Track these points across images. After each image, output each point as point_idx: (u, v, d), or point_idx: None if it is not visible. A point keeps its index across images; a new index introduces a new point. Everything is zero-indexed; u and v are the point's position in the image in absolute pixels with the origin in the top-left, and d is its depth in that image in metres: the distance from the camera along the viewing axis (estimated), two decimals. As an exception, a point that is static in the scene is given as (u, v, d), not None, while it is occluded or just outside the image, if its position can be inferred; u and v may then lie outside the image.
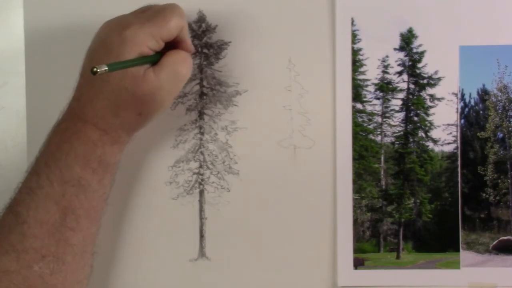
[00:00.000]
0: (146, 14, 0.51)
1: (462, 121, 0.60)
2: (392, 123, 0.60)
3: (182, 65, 0.52)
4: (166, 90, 0.51)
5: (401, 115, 0.61)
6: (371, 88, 0.60)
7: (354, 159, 0.60)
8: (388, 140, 0.61)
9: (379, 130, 0.60)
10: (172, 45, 0.53)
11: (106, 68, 0.45)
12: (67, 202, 0.48)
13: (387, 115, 0.60)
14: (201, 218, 0.60)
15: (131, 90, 0.49)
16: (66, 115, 0.51)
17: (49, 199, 0.48)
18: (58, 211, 0.48)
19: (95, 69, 0.44)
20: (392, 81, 0.60)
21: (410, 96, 0.60)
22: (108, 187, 0.52)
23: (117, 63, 0.48)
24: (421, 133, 0.60)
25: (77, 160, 0.49)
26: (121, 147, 0.52)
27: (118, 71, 0.48)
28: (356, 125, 0.60)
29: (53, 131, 0.51)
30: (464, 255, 0.60)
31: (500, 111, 0.60)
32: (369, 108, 0.60)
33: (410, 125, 0.60)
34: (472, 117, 0.60)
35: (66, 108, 0.52)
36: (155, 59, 0.51)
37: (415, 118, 0.60)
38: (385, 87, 0.60)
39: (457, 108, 0.60)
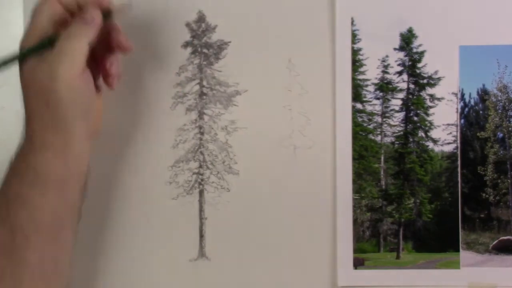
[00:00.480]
0: None
1: (462, 121, 0.60)
2: (392, 123, 0.60)
3: (74, 41, 0.47)
4: (60, 68, 0.46)
5: (401, 115, 0.61)
6: (371, 88, 0.60)
7: (354, 159, 0.59)
8: (388, 140, 0.61)
9: (379, 130, 0.60)
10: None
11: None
12: (12, 220, 0.46)
13: (387, 115, 0.60)
14: (201, 218, 0.60)
15: (27, 84, 0.48)
16: None
17: None
18: (6, 231, 0.45)
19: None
20: (392, 81, 0.60)
21: (410, 96, 0.60)
22: (57, 203, 0.47)
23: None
24: (421, 133, 0.60)
25: (13, 174, 0.47)
26: (55, 154, 0.47)
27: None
28: (356, 125, 0.60)
29: None
30: (464, 255, 0.60)
31: (500, 111, 0.60)
32: (369, 108, 0.60)
33: (410, 125, 0.60)
34: (472, 117, 0.60)
35: None
36: (45, 43, 0.48)
37: (415, 118, 0.60)
38: (385, 87, 0.60)
39: (457, 108, 0.60)
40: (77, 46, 0.47)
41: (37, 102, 0.47)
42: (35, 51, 0.48)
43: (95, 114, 0.51)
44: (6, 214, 0.46)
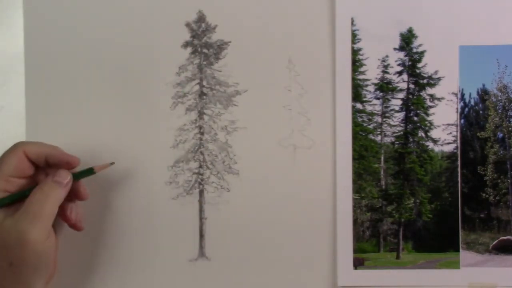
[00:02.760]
0: None
1: (462, 121, 0.60)
2: (392, 123, 0.60)
3: (44, 202, 0.48)
4: (31, 233, 0.47)
5: (401, 115, 0.61)
6: (371, 88, 0.60)
7: (354, 159, 0.60)
8: (388, 140, 0.61)
9: (379, 130, 0.60)
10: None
11: None
12: None
13: (387, 115, 0.60)
14: (201, 218, 0.60)
15: None
16: None
17: None
18: None
19: None
20: (392, 81, 0.60)
21: (410, 96, 0.60)
22: None
23: None
24: (421, 133, 0.60)
25: None
26: None
27: None
28: (356, 125, 0.60)
29: None
30: (464, 255, 0.60)
31: (500, 111, 0.60)
32: (369, 108, 0.60)
33: (410, 125, 0.60)
34: (472, 117, 0.60)
35: None
36: (7, 201, 0.49)
37: (415, 118, 0.60)
38: (385, 87, 0.60)
39: (457, 108, 0.60)
40: (49, 210, 0.49)
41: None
42: (4, 203, 0.48)
43: (54, 264, 0.51)
44: None
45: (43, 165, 0.52)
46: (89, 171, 0.53)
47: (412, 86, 0.60)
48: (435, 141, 0.60)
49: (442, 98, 0.60)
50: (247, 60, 0.60)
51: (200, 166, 0.60)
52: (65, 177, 0.51)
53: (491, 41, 0.59)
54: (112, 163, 0.55)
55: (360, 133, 0.60)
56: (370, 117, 0.60)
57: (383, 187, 0.60)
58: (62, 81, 0.58)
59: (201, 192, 0.60)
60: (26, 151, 0.50)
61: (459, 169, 0.60)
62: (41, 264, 0.48)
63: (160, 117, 0.60)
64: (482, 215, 0.60)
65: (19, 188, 0.51)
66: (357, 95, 0.60)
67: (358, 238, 0.60)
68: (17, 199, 0.50)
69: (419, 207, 0.60)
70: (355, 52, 0.59)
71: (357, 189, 0.60)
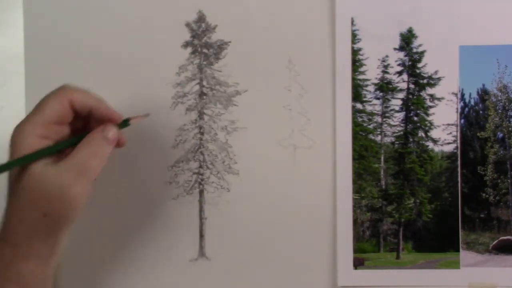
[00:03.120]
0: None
1: (462, 121, 0.60)
2: (392, 123, 0.60)
3: (91, 157, 0.46)
4: (72, 187, 0.45)
5: (401, 115, 0.61)
6: (371, 88, 0.60)
7: (354, 159, 0.60)
8: (388, 140, 0.61)
9: (379, 130, 0.60)
10: (101, 121, 0.49)
11: None
12: None
13: (387, 115, 0.60)
14: (201, 218, 0.60)
15: (27, 188, 0.44)
16: None
17: None
18: None
19: None
20: (392, 81, 0.60)
21: (410, 96, 0.60)
22: None
23: (6, 163, 0.45)
24: (421, 133, 0.60)
25: None
26: (39, 262, 0.45)
27: (15, 169, 0.45)
28: (356, 125, 0.60)
29: None
30: (464, 255, 0.60)
31: (500, 111, 0.60)
32: (369, 108, 0.60)
33: (410, 125, 0.60)
34: (472, 117, 0.60)
35: None
36: (53, 150, 0.47)
37: (415, 118, 0.60)
38: (385, 87, 0.60)
39: (457, 108, 0.60)
40: (95, 167, 0.47)
41: (33, 208, 0.45)
42: (50, 152, 0.46)
43: None
44: None
45: (84, 116, 0.49)
46: (125, 123, 0.50)
47: (412, 86, 0.60)
48: (435, 141, 0.60)
49: (442, 98, 0.60)
50: (247, 60, 0.60)
51: (200, 166, 0.60)
52: (114, 134, 0.48)
53: (491, 41, 0.59)
54: (147, 115, 0.52)
55: (360, 133, 0.60)
56: (370, 117, 0.60)
57: (383, 187, 0.60)
58: (62, 81, 0.58)
59: (201, 192, 0.60)
60: (72, 101, 0.48)
61: (459, 169, 0.60)
62: (75, 218, 0.46)
63: (160, 117, 0.60)
64: (482, 215, 0.60)
65: (56, 135, 0.48)
66: (357, 95, 0.60)
67: (358, 238, 0.60)
68: (61, 148, 0.47)
69: (419, 207, 0.60)
70: (355, 52, 0.59)
71: (357, 189, 0.60)
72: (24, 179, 0.45)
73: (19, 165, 0.45)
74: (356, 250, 0.59)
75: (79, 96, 0.48)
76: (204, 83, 0.60)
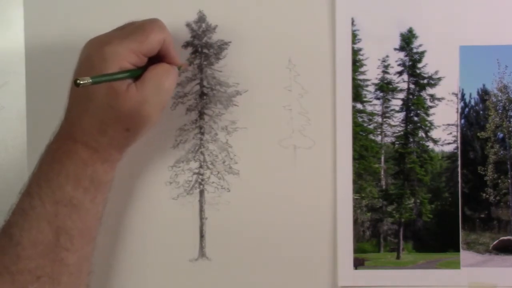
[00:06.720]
0: (126, 30, 0.52)
1: (462, 121, 0.60)
2: (392, 123, 0.61)
3: (165, 78, 0.52)
4: (151, 104, 0.51)
5: (401, 115, 0.61)
6: (371, 88, 0.60)
7: (354, 159, 0.60)
8: (388, 140, 0.61)
9: (379, 130, 0.60)
10: (158, 59, 0.53)
11: (90, 80, 0.45)
12: (60, 222, 0.48)
13: (387, 115, 0.60)
14: (201, 218, 0.60)
15: (115, 106, 0.49)
16: (57, 135, 0.51)
17: (42, 220, 0.48)
18: (51, 232, 0.48)
19: (78, 81, 0.45)
20: (392, 81, 0.60)
21: (410, 96, 0.60)
22: (101, 206, 0.52)
23: (99, 75, 0.48)
24: (421, 133, 0.60)
25: (68, 179, 0.49)
26: (112, 165, 0.52)
27: (102, 88, 0.49)
28: (356, 125, 0.60)
29: (45, 151, 0.51)
30: (464, 255, 0.60)
31: (500, 111, 0.60)
32: (369, 108, 0.60)
33: (410, 125, 0.60)
34: (472, 117, 0.60)
35: (58, 128, 0.52)
36: (137, 73, 0.51)
37: (415, 118, 0.60)
38: (385, 87, 0.60)
39: (457, 108, 0.60)
40: (169, 85, 0.53)
41: (118, 123, 0.50)
42: (128, 76, 0.50)
43: None
44: (54, 216, 0.48)
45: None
46: (179, 68, 0.56)
47: (412, 86, 0.60)
48: (435, 141, 0.60)
49: (442, 98, 0.60)
50: (247, 60, 0.60)
51: (201, 166, 0.60)
52: (177, 68, 0.55)
53: (491, 41, 0.59)
54: (189, 64, 0.59)
55: (360, 133, 0.60)
56: (370, 117, 0.60)
57: (384, 187, 0.60)
58: (62, 81, 0.58)
59: (201, 192, 0.60)
60: (164, 39, 0.53)
61: (459, 169, 0.60)
62: (148, 131, 0.53)
63: (161, 117, 0.60)
64: (482, 215, 0.60)
65: (140, 64, 0.52)
66: (357, 95, 0.60)
67: (358, 238, 0.60)
68: (140, 74, 0.52)
69: (419, 207, 0.60)
70: (355, 52, 0.59)
71: (357, 189, 0.60)
72: (111, 97, 0.49)
73: (111, 80, 0.49)
74: (356, 250, 0.60)
75: (169, 37, 0.53)
76: (205, 83, 0.60)
